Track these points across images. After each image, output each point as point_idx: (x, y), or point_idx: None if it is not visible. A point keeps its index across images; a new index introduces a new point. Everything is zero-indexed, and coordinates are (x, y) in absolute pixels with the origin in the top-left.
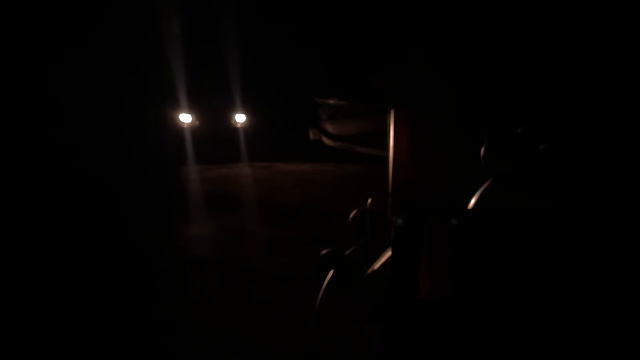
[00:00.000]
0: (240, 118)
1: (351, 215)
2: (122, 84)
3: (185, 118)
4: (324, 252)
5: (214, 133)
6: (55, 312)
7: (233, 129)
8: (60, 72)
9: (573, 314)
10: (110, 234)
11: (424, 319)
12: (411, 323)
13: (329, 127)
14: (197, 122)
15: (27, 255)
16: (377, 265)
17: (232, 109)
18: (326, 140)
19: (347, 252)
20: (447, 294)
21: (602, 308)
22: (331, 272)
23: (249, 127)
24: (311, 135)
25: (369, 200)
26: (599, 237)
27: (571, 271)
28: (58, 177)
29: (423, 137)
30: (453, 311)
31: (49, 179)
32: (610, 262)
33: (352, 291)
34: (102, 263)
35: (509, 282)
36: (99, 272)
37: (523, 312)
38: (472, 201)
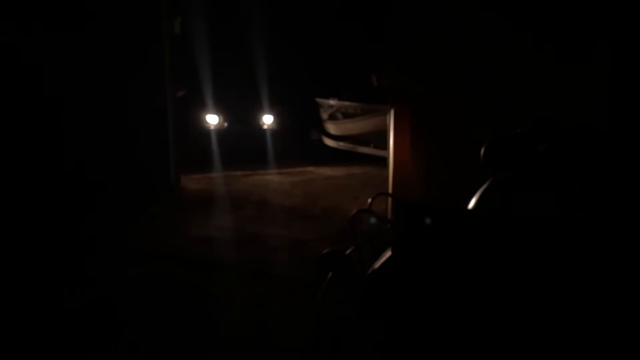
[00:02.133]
0: (267, 119)
1: (351, 215)
2: (132, 86)
3: (212, 119)
4: (324, 251)
5: (242, 135)
6: (54, 314)
7: (261, 131)
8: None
9: (572, 313)
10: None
11: (424, 318)
12: (411, 322)
13: (330, 127)
14: (226, 124)
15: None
16: (377, 265)
17: (260, 109)
18: (327, 141)
19: (347, 252)
20: (448, 293)
21: (600, 307)
22: (331, 272)
23: (276, 128)
24: (312, 136)
25: (369, 200)
26: (602, 238)
27: (573, 272)
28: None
29: (423, 137)
30: (453, 310)
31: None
32: (613, 264)
33: (352, 291)
34: (93, 260)
35: (509, 281)
36: (89, 269)
37: (523, 309)
38: (472, 201)
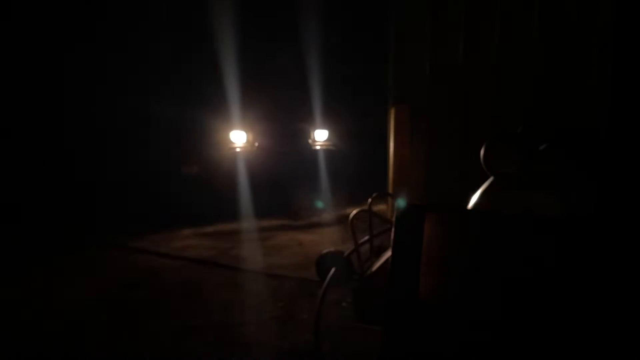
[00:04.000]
0: (320, 135)
1: (351, 215)
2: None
3: (238, 137)
4: (324, 252)
5: (281, 159)
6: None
7: (310, 153)
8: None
9: (574, 316)
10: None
11: (424, 319)
12: (411, 323)
13: None
14: (257, 144)
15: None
16: (377, 265)
17: (310, 122)
18: None
19: (347, 252)
20: (447, 294)
21: (601, 311)
22: (331, 272)
23: (335, 148)
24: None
25: (369, 200)
26: (602, 238)
27: (573, 273)
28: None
29: (424, 137)
30: (453, 312)
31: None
32: (612, 265)
33: (352, 291)
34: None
35: (509, 282)
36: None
37: (523, 313)
38: (472, 201)
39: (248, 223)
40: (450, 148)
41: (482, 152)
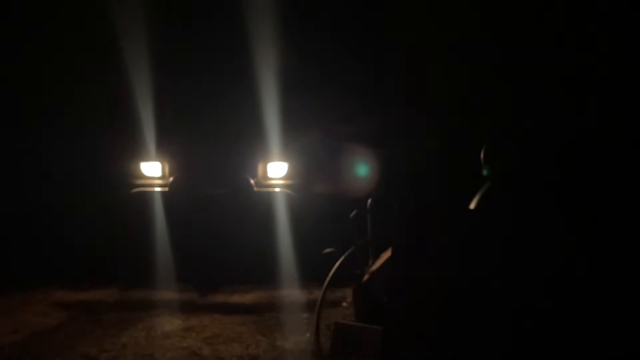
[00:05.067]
0: (276, 171)
1: (351, 215)
2: None
3: (151, 170)
4: (324, 252)
5: (210, 205)
6: None
7: (257, 198)
8: None
9: (574, 313)
10: None
11: (424, 318)
12: (411, 323)
13: None
14: (172, 179)
15: None
16: (377, 265)
17: (259, 152)
18: None
19: (347, 252)
20: (447, 294)
21: (601, 306)
22: (332, 272)
23: (299, 189)
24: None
25: (369, 201)
26: (599, 237)
27: (573, 271)
28: None
29: (424, 138)
30: (453, 310)
31: None
32: (611, 263)
33: (352, 291)
34: None
35: (509, 280)
36: None
37: (522, 309)
38: (473, 201)
39: (129, 292)
40: (451, 149)
41: (482, 152)
